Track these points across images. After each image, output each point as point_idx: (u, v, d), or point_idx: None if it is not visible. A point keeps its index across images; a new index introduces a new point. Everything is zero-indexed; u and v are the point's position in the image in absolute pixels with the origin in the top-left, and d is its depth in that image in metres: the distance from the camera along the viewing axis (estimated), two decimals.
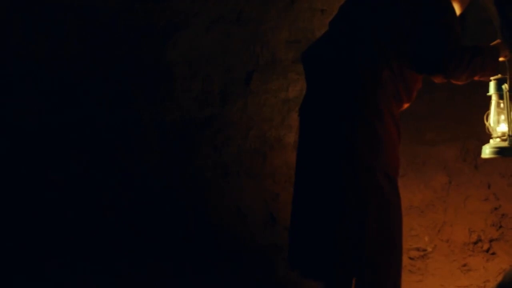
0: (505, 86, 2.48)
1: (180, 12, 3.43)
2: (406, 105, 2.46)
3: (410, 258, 3.51)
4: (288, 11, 3.47)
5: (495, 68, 2.47)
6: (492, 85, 2.54)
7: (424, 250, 3.51)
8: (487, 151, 2.54)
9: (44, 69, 3.43)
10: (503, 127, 2.54)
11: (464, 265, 3.39)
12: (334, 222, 2.29)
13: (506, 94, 2.49)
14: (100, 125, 3.55)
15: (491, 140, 2.56)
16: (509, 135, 2.48)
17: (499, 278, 3.17)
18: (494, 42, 2.53)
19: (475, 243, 3.38)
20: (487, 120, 2.57)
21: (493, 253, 3.34)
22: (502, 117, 2.53)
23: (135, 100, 3.57)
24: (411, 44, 2.35)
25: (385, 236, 2.30)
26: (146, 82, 3.56)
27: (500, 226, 3.34)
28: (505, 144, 2.49)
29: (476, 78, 2.45)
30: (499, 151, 2.50)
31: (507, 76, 2.49)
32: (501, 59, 2.49)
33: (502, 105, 2.52)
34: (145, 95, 3.58)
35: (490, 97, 2.57)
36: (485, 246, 3.36)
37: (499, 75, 2.50)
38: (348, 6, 2.57)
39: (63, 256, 3.42)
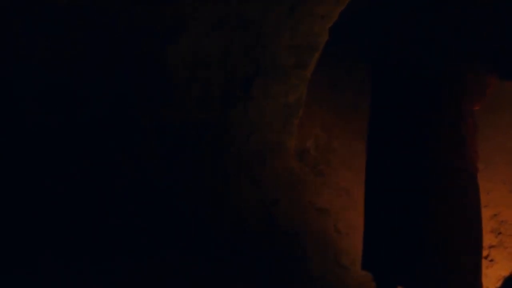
0: None
1: (180, 14, 3.42)
2: (477, 107, 2.52)
3: None
4: (288, 16, 3.47)
5: None
6: None
7: None
8: None
9: (44, 69, 3.41)
10: None
11: None
12: (421, 225, 2.35)
13: None
14: (100, 125, 3.54)
15: None
16: None
17: (499, 285, 3.19)
18: None
19: None
20: None
21: (492, 260, 3.34)
22: None
23: (135, 100, 3.56)
24: (500, 51, 2.39)
25: (470, 237, 2.39)
26: (146, 83, 3.55)
27: (499, 233, 3.35)
28: None
29: None
30: None
31: None
32: None
33: None
34: (145, 96, 3.57)
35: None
36: (484, 253, 3.36)
37: None
38: (419, 8, 2.55)
39: (63, 256, 3.43)
